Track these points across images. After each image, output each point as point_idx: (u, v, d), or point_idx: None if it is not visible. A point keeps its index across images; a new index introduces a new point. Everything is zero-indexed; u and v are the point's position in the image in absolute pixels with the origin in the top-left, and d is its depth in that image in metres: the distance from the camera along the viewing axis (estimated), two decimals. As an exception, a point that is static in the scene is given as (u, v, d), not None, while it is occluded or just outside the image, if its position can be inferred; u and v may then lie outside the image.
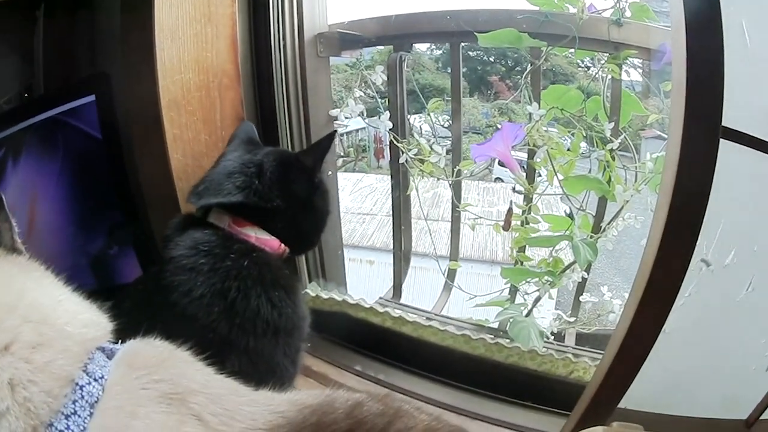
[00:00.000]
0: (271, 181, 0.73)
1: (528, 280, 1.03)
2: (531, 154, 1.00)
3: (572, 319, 1.08)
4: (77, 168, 0.97)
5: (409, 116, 1.08)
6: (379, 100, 1.07)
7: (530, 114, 0.96)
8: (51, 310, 0.44)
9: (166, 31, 0.84)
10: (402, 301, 1.18)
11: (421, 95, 1.24)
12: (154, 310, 0.66)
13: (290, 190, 0.74)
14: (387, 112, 1.01)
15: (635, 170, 0.97)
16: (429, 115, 1.05)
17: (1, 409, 0.37)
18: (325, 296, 1.04)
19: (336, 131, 0.79)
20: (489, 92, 2.73)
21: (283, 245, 0.75)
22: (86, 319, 0.46)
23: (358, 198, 3.26)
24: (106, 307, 0.74)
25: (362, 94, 1.04)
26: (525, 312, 1.02)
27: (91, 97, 0.96)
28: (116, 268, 0.99)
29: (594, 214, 1.02)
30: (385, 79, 1.02)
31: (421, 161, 0.99)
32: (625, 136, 0.96)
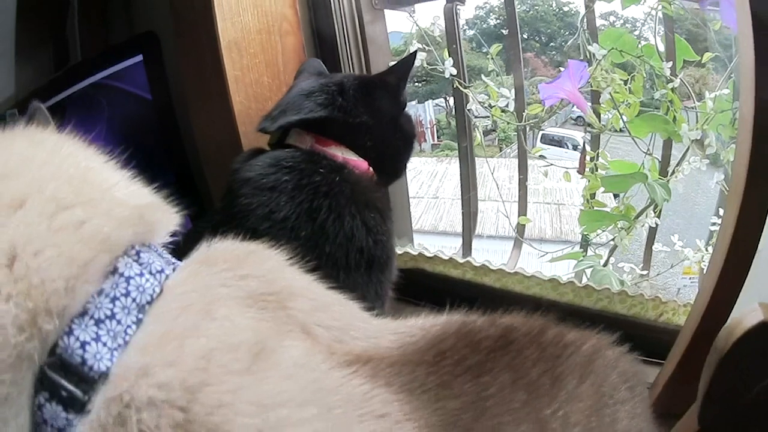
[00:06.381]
0: (356, 98, 0.68)
1: (601, 229, 0.99)
2: (594, 97, 0.98)
3: (644, 272, 1.03)
4: (124, 131, 0.92)
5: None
6: (437, 55, 1.04)
7: (592, 54, 0.95)
8: (94, 172, 0.33)
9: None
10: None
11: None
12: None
13: (376, 107, 0.69)
14: (450, 58, 0.98)
15: (695, 111, 0.95)
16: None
17: None
18: (399, 251, 0.96)
19: (417, 51, 0.77)
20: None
21: (371, 169, 0.69)
22: (147, 197, 0.35)
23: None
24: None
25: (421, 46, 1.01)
26: (602, 262, 0.97)
27: (138, 57, 0.92)
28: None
29: (660, 159, 0.99)
30: (443, 29, 0.99)
31: (490, 106, 0.95)
32: (681, 79, 0.95)
